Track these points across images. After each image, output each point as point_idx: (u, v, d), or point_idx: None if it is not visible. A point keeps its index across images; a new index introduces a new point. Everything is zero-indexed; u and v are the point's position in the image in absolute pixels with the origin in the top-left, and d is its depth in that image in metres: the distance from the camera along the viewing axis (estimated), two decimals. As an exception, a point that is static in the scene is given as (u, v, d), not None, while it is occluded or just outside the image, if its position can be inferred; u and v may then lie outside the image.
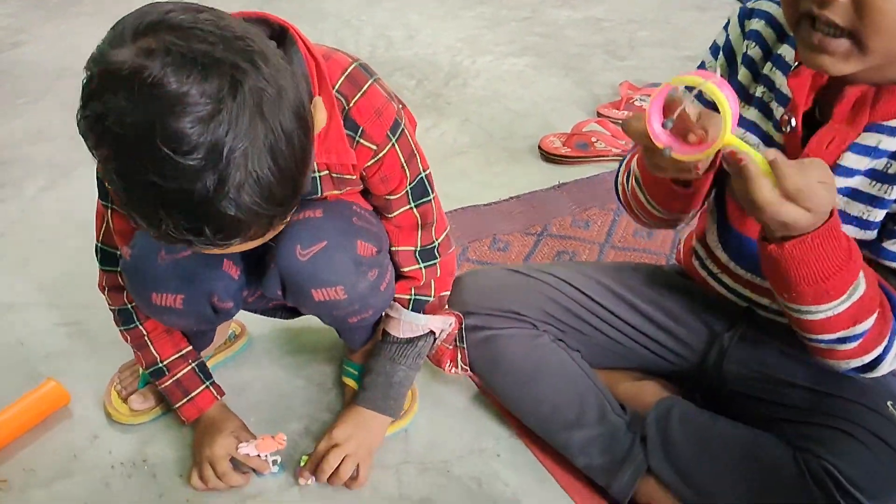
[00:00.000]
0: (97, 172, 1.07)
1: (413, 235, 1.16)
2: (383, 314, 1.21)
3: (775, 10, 0.98)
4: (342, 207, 1.09)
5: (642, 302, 1.20)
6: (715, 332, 1.16)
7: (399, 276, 1.20)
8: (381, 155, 1.05)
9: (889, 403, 1.02)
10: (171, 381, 1.21)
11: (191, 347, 1.23)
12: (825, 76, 0.90)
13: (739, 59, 1.02)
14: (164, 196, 0.75)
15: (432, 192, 1.14)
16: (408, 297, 1.19)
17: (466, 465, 1.22)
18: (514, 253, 1.69)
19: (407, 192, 1.11)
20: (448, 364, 1.25)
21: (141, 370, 1.30)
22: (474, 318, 1.20)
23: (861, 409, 1.00)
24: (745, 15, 1.01)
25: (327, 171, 1.05)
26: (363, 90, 1.01)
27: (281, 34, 0.94)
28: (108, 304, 1.21)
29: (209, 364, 1.37)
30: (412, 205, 1.13)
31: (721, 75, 0.82)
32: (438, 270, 1.20)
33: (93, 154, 0.78)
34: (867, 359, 0.93)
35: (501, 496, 1.17)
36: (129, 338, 1.21)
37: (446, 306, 1.23)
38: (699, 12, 2.94)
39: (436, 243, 1.19)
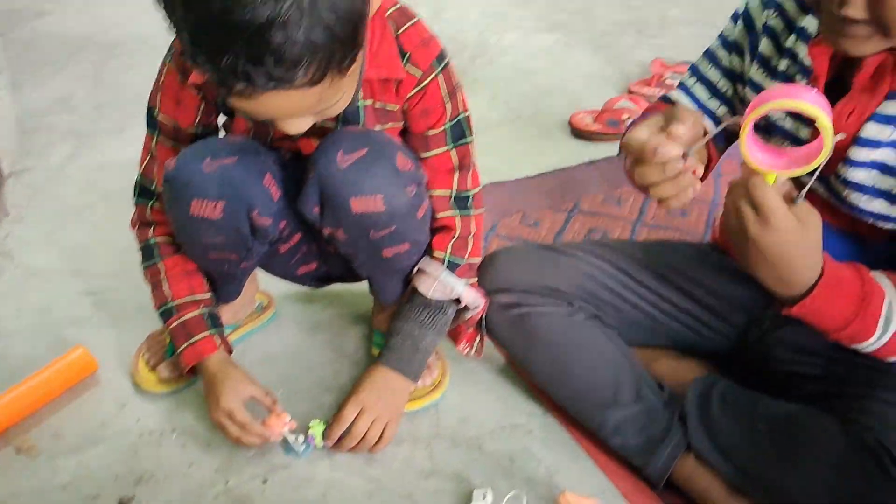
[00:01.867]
0: (148, 106, 1.13)
1: (449, 179, 1.15)
2: (416, 270, 1.19)
3: None
4: (382, 133, 1.09)
5: (680, 277, 1.17)
6: (755, 308, 1.13)
7: (434, 230, 1.18)
8: (425, 83, 1.06)
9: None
10: (177, 321, 1.17)
11: (208, 296, 1.20)
12: None
13: (759, 28, 1.00)
14: (228, 22, 0.76)
15: (471, 136, 1.14)
16: (443, 254, 1.17)
17: (499, 441, 1.20)
18: (545, 229, 1.66)
19: (446, 129, 1.11)
20: (464, 344, 1.24)
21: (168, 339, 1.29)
22: (509, 295, 1.17)
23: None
24: None
25: (371, 101, 1.07)
26: (412, 21, 1.05)
27: None
28: (137, 243, 1.21)
29: (236, 334, 1.36)
30: (450, 145, 1.13)
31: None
32: (473, 225, 1.18)
33: (161, 2, 0.81)
34: None
35: (535, 473, 1.15)
36: (147, 275, 1.20)
37: (477, 281, 1.21)
38: (730, -9, 2.89)
39: (470, 193, 1.17)
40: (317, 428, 1.16)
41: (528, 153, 1.95)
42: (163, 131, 1.13)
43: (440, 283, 1.16)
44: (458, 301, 1.18)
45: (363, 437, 1.14)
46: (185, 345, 1.17)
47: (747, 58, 1.02)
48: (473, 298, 1.18)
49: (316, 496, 1.12)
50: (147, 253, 1.20)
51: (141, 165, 1.18)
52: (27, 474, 1.15)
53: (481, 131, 2.03)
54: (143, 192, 1.19)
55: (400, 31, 1.04)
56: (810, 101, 0.75)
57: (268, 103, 0.85)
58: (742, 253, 0.84)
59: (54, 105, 2.19)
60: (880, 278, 0.89)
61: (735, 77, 1.05)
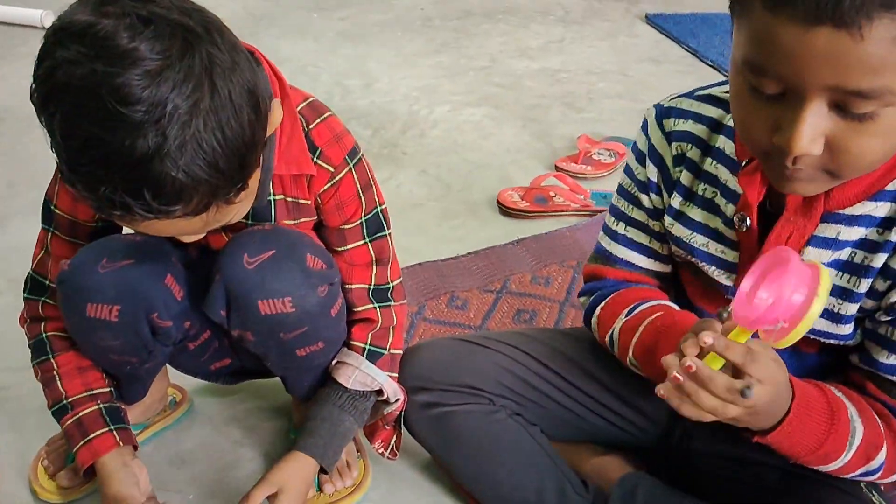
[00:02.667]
0: (45, 198, 1.08)
1: (367, 272, 1.12)
2: (335, 363, 1.14)
3: (697, 106, 0.96)
4: (291, 230, 1.05)
5: (602, 371, 1.13)
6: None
7: (353, 321, 1.14)
8: (337, 178, 1.03)
9: (863, 485, 0.98)
10: (72, 419, 1.09)
11: (107, 390, 1.13)
12: None
13: (670, 161, 0.98)
14: (106, 152, 0.74)
15: (388, 228, 1.12)
16: (363, 345, 1.13)
17: (420, 544, 1.15)
18: (473, 311, 1.64)
19: (362, 223, 1.08)
20: (379, 444, 1.19)
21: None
22: (428, 395, 1.13)
23: (834, 492, 0.96)
24: (663, 115, 0.98)
25: (282, 196, 1.03)
26: (323, 117, 1.03)
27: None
28: (27, 339, 1.14)
29: (146, 433, 1.30)
30: (367, 239, 1.10)
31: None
32: (395, 316, 1.15)
33: (42, 120, 0.78)
34: None
35: (458, 580, 1.10)
36: (39, 373, 1.13)
37: (397, 375, 1.16)
38: (654, 65, 2.95)
39: (390, 285, 1.14)
40: None
41: (455, 231, 1.93)
42: (59, 226, 1.08)
43: (360, 372, 1.11)
44: (379, 392, 1.14)
45: None
46: (81, 443, 1.09)
47: (664, 193, 1.00)
48: (394, 391, 1.13)
49: None
50: (38, 349, 1.13)
51: (34, 260, 1.12)
52: None
53: (410, 208, 2.03)
54: (35, 287, 1.13)
55: (311, 126, 1.02)
56: (817, 273, 0.72)
57: (149, 227, 0.82)
58: (737, 419, 0.80)
59: (-35, 184, 2.10)
60: (836, 392, 0.88)
61: (659, 213, 1.02)
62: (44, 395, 1.13)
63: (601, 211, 1.97)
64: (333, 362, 1.13)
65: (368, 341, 1.13)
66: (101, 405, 1.11)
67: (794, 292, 0.72)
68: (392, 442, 1.19)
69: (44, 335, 1.12)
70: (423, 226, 1.94)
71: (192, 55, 0.76)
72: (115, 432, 1.10)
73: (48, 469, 1.21)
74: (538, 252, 1.83)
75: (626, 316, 1.01)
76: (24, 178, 2.15)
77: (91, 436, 1.09)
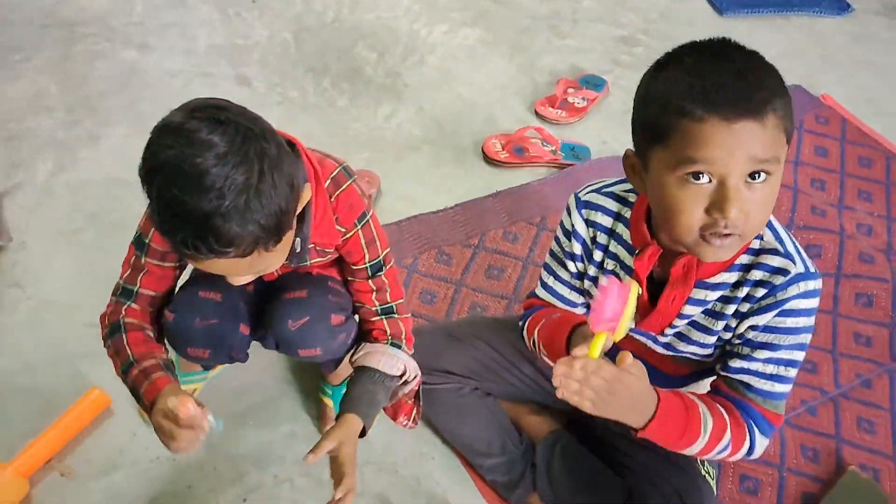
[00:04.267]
0: (136, 230, 1.38)
1: (370, 297, 1.53)
2: (363, 353, 1.54)
3: (603, 200, 1.32)
4: (321, 287, 1.51)
5: (538, 361, 1.59)
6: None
7: (370, 330, 1.55)
8: (347, 236, 1.41)
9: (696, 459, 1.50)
10: (138, 369, 1.33)
11: (165, 356, 1.40)
12: (659, 251, 1.22)
13: (589, 241, 1.34)
14: (182, 208, 1.07)
15: (386, 268, 1.48)
16: (385, 340, 1.52)
17: (410, 466, 1.70)
18: (455, 265, 2.09)
19: (366, 267, 1.49)
20: (402, 418, 1.66)
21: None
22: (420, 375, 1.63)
23: (672, 467, 1.47)
24: (582, 206, 1.33)
25: (313, 246, 1.44)
26: (343, 188, 1.38)
27: (291, 145, 1.29)
28: (102, 330, 1.40)
29: (214, 371, 1.80)
30: (369, 277, 1.51)
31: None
32: (401, 324, 1.53)
33: (144, 188, 1.11)
34: (743, 451, 1.27)
35: (434, 494, 1.66)
36: (111, 346, 1.37)
37: None
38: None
39: (392, 304, 1.56)
40: None
41: (445, 181, 2.30)
42: (150, 253, 1.37)
43: (387, 356, 1.48)
44: (399, 376, 1.55)
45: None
46: (146, 384, 1.31)
47: (585, 262, 1.38)
48: (414, 367, 1.57)
49: (280, 512, 1.62)
50: (114, 329, 1.38)
51: (122, 275, 1.41)
52: (68, 497, 1.60)
53: (408, 151, 2.41)
54: (123, 293, 1.41)
55: (332, 197, 1.35)
56: (629, 292, 1.12)
57: (210, 265, 1.17)
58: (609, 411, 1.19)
59: (31, 105, 2.41)
60: (690, 396, 1.30)
61: (580, 275, 1.41)
62: (113, 364, 1.37)
63: (568, 165, 2.36)
64: (361, 353, 1.54)
65: (388, 341, 1.55)
66: (160, 360, 1.37)
67: (613, 305, 1.12)
68: (413, 413, 1.66)
69: (121, 320, 1.38)
70: (419, 173, 2.33)
71: (249, 147, 1.09)
72: (169, 373, 1.35)
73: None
74: (510, 206, 2.24)
75: (541, 324, 1.44)
76: (80, 99, 2.44)
77: (154, 376, 1.32)
